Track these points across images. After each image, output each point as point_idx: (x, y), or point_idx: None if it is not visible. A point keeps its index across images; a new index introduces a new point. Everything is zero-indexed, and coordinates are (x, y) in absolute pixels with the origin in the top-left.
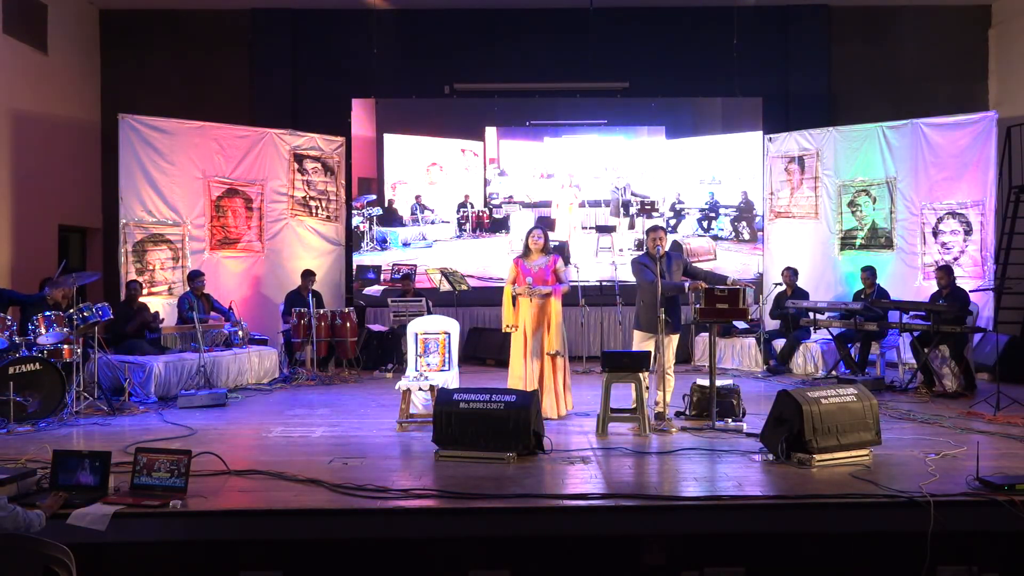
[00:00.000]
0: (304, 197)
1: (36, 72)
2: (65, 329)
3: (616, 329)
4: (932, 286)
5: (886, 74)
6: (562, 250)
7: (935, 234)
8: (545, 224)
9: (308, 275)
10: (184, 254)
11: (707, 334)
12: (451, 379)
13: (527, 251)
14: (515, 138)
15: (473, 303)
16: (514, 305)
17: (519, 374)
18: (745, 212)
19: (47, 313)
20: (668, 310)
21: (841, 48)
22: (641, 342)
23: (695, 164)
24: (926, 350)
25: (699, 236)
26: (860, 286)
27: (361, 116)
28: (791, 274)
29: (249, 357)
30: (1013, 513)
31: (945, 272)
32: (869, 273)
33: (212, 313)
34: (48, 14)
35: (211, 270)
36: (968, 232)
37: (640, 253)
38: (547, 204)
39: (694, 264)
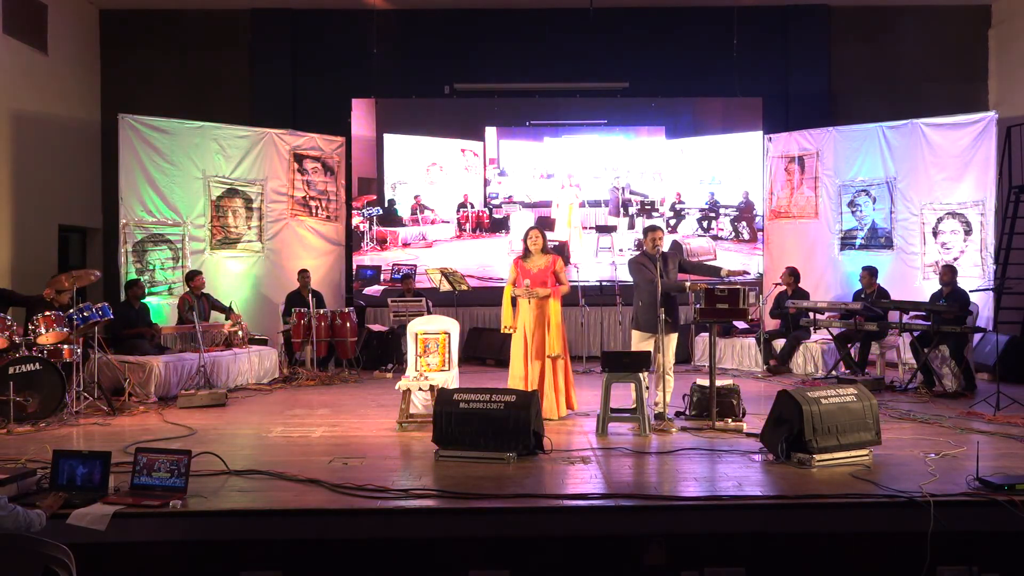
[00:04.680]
0: (304, 197)
1: (36, 72)
2: (65, 329)
3: (616, 329)
4: (932, 286)
5: (886, 74)
6: (561, 251)
7: (935, 234)
8: (543, 224)
9: (303, 273)
10: (184, 254)
11: (707, 334)
12: (451, 379)
13: (526, 252)
14: (515, 138)
15: (473, 303)
16: (513, 306)
17: (519, 375)
18: (745, 212)
19: (47, 313)
20: (666, 310)
21: (841, 48)
22: (640, 342)
23: (695, 164)
24: (926, 350)
25: (699, 236)
26: (860, 286)
27: (361, 116)
28: (791, 274)
29: (249, 357)
30: (1013, 513)
31: (949, 271)
32: (869, 272)
33: (212, 312)
34: (48, 14)
35: (211, 270)
36: (968, 232)
37: (637, 253)
38: (547, 204)
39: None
